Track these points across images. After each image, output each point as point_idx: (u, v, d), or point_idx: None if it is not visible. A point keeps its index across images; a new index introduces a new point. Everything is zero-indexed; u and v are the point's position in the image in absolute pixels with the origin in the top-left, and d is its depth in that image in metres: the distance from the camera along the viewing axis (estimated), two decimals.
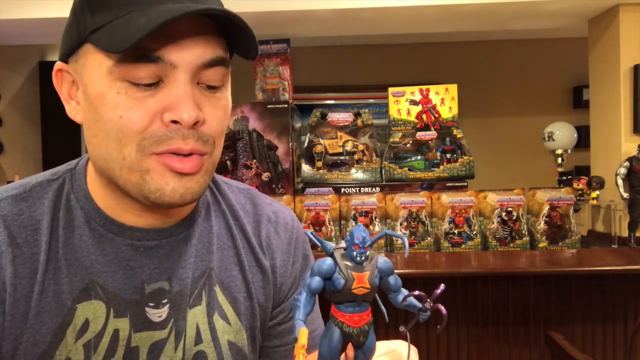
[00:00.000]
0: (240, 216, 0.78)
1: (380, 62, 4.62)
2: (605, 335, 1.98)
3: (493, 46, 4.53)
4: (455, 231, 2.07)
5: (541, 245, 2.07)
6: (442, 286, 0.51)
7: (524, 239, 2.06)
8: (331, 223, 2.10)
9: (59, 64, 0.66)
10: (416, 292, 0.52)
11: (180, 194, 0.62)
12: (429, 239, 2.06)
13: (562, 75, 4.57)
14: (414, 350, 0.58)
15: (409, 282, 1.94)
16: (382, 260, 0.51)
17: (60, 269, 0.65)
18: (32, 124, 4.23)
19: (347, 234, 0.49)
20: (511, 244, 2.06)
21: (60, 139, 4.24)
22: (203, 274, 0.71)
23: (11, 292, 0.62)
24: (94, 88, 0.61)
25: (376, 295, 0.52)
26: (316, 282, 0.49)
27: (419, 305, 0.52)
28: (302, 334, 0.46)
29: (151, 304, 0.67)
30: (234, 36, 0.63)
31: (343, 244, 0.50)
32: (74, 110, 0.66)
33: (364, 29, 3.19)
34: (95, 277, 0.65)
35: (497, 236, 2.06)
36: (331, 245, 0.51)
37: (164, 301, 0.68)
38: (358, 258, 0.48)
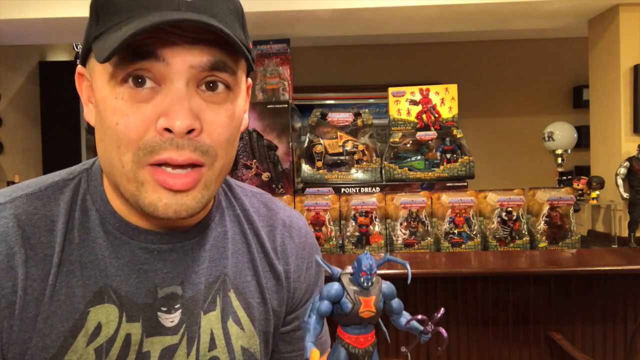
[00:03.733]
0: (255, 220, 0.77)
1: (380, 62, 4.63)
2: (605, 335, 1.98)
3: (493, 46, 4.53)
4: (455, 231, 2.07)
5: (541, 245, 2.07)
6: (442, 310, 0.54)
7: (524, 239, 2.06)
8: (331, 223, 2.10)
9: (79, 68, 0.66)
10: (419, 316, 0.54)
11: (174, 209, 0.60)
12: (429, 239, 2.06)
13: (562, 75, 4.57)
14: None
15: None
16: (385, 285, 0.54)
17: (73, 271, 0.63)
18: (32, 124, 4.24)
19: (355, 261, 0.52)
20: (511, 244, 2.05)
21: (60, 139, 4.24)
22: (217, 280, 0.71)
23: (22, 295, 0.60)
24: (99, 92, 0.61)
25: None
26: (325, 305, 0.51)
27: (421, 328, 0.54)
28: (314, 356, 0.49)
29: (164, 309, 0.66)
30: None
31: (349, 270, 0.53)
32: (90, 114, 0.65)
33: (364, 29, 3.19)
34: (109, 280, 0.64)
35: (497, 236, 2.06)
36: (338, 270, 0.54)
37: (177, 306, 0.67)
38: (365, 284, 0.51)
